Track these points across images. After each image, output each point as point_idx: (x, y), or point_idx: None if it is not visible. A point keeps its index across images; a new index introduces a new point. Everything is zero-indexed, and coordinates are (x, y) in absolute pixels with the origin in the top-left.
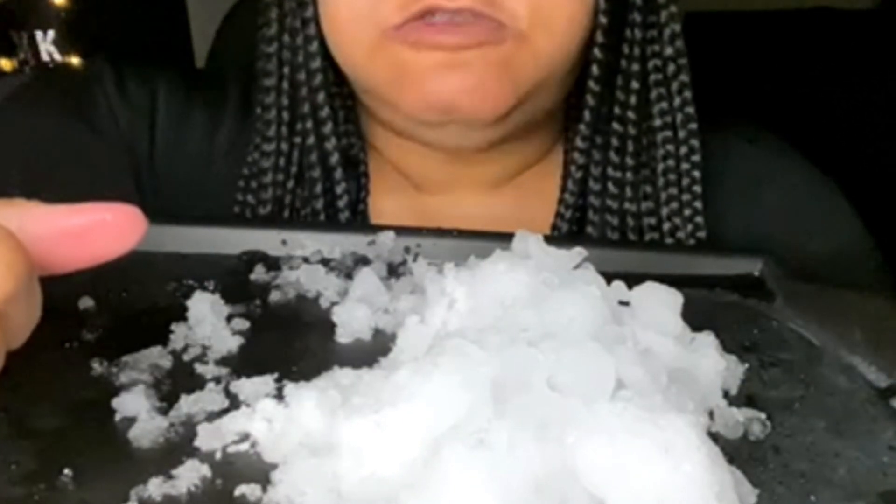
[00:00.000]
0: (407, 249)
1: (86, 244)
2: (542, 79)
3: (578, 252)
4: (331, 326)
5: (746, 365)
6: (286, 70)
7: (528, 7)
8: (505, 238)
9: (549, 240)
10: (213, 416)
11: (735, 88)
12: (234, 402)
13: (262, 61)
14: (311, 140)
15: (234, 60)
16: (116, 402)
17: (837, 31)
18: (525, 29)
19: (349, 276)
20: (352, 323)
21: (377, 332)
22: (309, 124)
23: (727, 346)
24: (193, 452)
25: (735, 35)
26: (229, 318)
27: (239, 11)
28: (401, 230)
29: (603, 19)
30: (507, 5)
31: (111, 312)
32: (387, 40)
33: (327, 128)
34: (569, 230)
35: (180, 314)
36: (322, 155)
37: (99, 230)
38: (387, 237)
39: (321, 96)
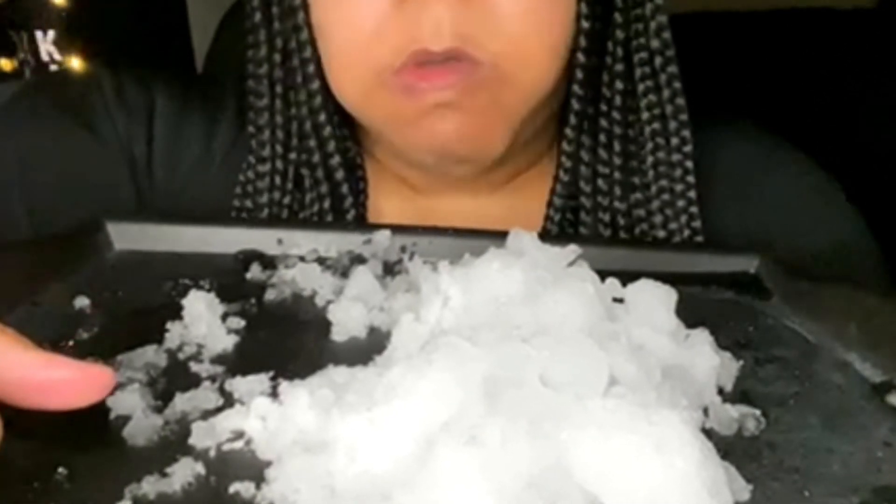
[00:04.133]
0: (403, 248)
1: (48, 396)
2: (532, 107)
3: (572, 250)
4: (326, 325)
5: (741, 361)
6: (279, 89)
7: (508, 44)
8: (500, 236)
9: (544, 237)
10: (207, 414)
11: (734, 88)
12: (229, 401)
13: (254, 82)
14: (315, 157)
15: (234, 61)
16: (111, 401)
17: (836, 31)
18: (507, 67)
19: (345, 274)
20: (347, 321)
21: (372, 330)
22: (312, 142)
23: (722, 343)
24: (188, 450)
25: (734, 35)
26: (225, 317)
27: (238, 12)
28: (396, 229)
29: (585, 24)
30: (487, 45)
31: (106, 311)
32: (382, 84)
33: (331, 146)
34: (560, 231)
35: (176, 313)
36: (327, 171)
37: (65, 386)
38: (383, 236)
39: (323, 116)
